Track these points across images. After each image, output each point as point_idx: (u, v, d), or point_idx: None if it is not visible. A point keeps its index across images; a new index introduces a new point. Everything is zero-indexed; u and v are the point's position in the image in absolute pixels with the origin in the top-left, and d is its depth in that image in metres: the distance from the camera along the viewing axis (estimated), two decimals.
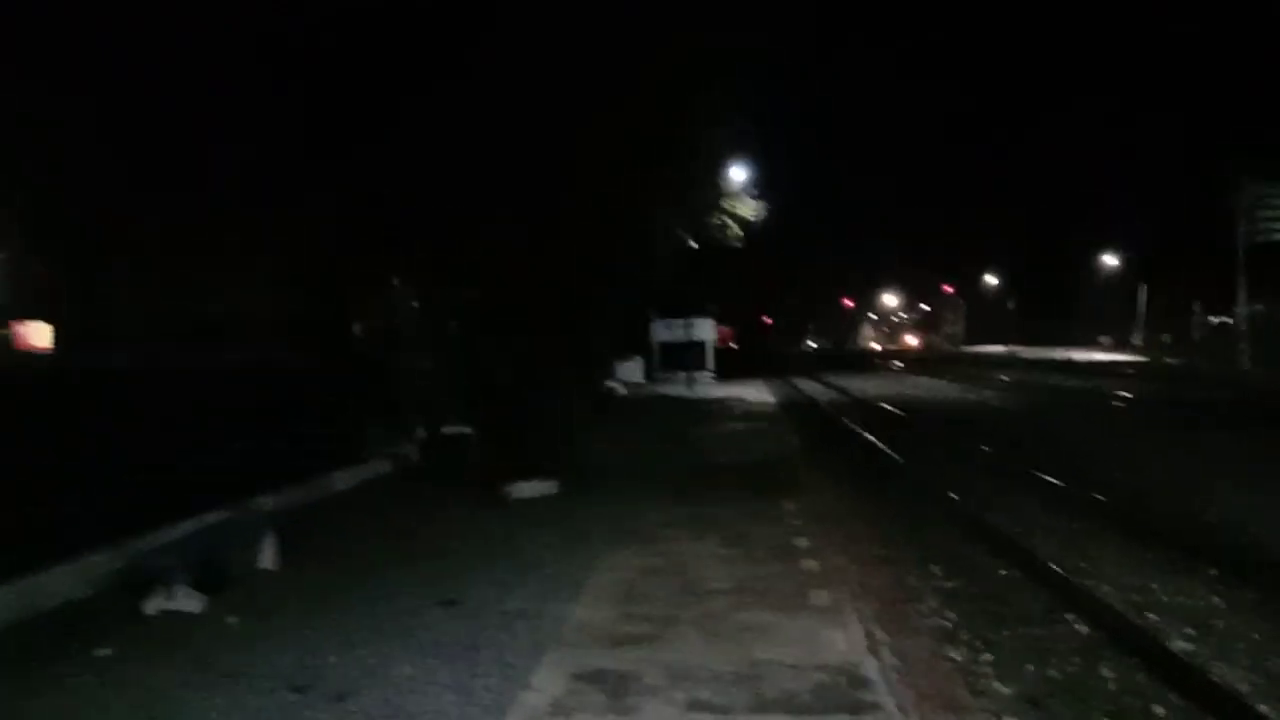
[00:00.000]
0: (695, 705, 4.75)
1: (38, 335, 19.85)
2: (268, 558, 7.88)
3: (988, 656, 5.94)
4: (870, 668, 5.17)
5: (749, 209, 25.94)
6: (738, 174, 27.19)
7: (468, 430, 15.41)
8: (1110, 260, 69.36)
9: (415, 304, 20.38)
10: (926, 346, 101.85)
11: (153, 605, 6.51)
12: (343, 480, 11.97)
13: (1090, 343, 65.94)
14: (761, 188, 26.77)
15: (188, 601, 6.58)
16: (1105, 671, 5.59)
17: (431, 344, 17.61)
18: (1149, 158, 57.39)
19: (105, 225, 15.99)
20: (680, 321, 35.16)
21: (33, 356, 19.04)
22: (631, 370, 34.78)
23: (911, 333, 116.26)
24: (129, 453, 9.88)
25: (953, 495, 11.26)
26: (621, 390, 30.91)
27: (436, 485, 12.11)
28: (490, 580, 7.24)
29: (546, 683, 5.13)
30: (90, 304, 17.91)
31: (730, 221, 25.55)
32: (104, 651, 5.74)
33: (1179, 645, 5.97)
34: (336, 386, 14.74)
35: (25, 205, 16.36)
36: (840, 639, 5.65)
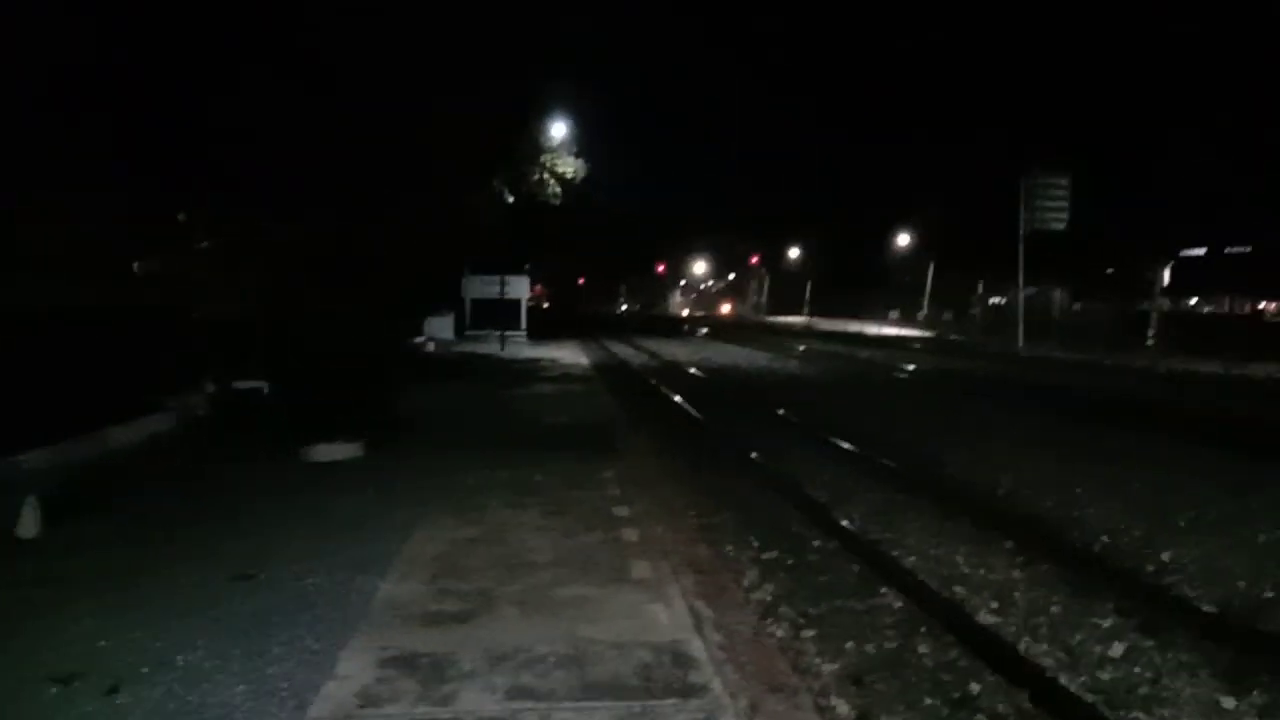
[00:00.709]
0: (516, 692, 4.45)
1: None
2: (29, 524, 7.03)
3: (809, 632, 5.92)
4: (695, 646, 5.02)
5: (570, 166, 25.59)
6: (558, 130, 26.74)
7: (263, 385, 14.48)
8: (904, 239, 73.05)
9: (204, 244, 18.94)
10: (737, 315, 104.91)
11: None
12: (119, 436, 10.91)
13: (881, 317, 69.51)
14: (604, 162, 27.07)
15: None
16: (922, 647, 5.66)
17: (225, 292, 16.47)
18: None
19: None
20: (495, 278, 34.35)
21: None
22: (442, 326, 33.90)
23: (725, 301, 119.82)
24: None
25: (764, 461, 11.52)
26: (431, 347, 30.10)
27: (227, 444, 11.25)
28: (288, 552, 6.67)
29: (353, 669, 4.70)
30: None
31: (550, 179, 25.15)
32: None
33: (987, 619, 6.15)
34: (117, 332, 13.46)
35: None
36: (663, 614, 5.50)
